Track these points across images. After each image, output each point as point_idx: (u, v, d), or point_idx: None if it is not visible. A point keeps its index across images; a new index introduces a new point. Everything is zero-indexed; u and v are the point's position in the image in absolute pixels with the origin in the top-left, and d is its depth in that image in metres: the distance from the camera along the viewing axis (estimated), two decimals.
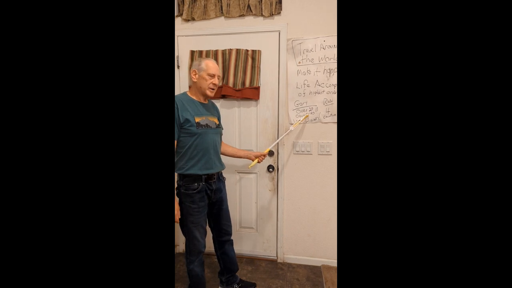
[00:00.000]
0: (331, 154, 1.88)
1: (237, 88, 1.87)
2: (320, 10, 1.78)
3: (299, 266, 1.99)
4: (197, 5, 1.89)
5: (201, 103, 1.46)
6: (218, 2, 1.87)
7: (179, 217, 1.40)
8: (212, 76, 1.42)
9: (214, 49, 1.90)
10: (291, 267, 1.98)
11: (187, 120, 1.36)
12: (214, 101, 1.77)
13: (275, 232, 2.03)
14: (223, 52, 1.89)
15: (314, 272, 1.91)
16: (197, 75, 1.42)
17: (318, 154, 1.89)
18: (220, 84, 1.90)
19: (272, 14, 1.82)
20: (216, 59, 1.89)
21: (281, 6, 1.81)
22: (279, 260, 2.05)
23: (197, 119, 1.39)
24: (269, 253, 2.07)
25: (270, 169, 1.95)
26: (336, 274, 1.84)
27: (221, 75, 1.47)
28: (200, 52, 1.91)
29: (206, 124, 1.42)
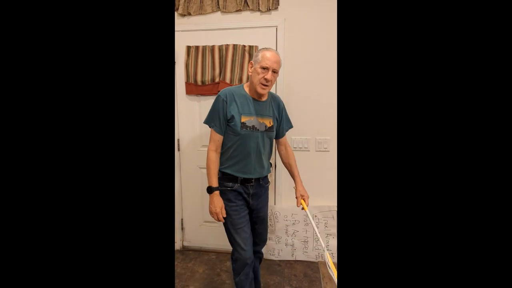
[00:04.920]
0: (329, 151, 1.87)
1: (234, 84, 1.85)
2: (318, 6, 1.76)
3: (297, 262, 1.99)
4: (193, 0, 1.86)
5: (255, 100, 1.25)
6: None
7: (224, 215, 1.24)
8: (265, 69, 1.17)
9: (211, 44, 1.88)
10: (289, 263, 1.98)
11: (232, 117, 1.20)
12: (211, 98, 1.74)
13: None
14: (220, 47, 1.87)
15: (312, 268, 1.92)
16: (252, 68, 1.22)
17: (316, 151, 1.89)
18: (217, 80, 1.88)
19: (269, 9, 1.80)
20: (212, 55, 1.87)
21: (278, 1, 1.79)
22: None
23: (244, 119, 1.21)
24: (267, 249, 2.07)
25: None
26: None
27: (278, 68, 1.20)
28: (197, 47, 1.89)
29: (253, 126, 1.23)
